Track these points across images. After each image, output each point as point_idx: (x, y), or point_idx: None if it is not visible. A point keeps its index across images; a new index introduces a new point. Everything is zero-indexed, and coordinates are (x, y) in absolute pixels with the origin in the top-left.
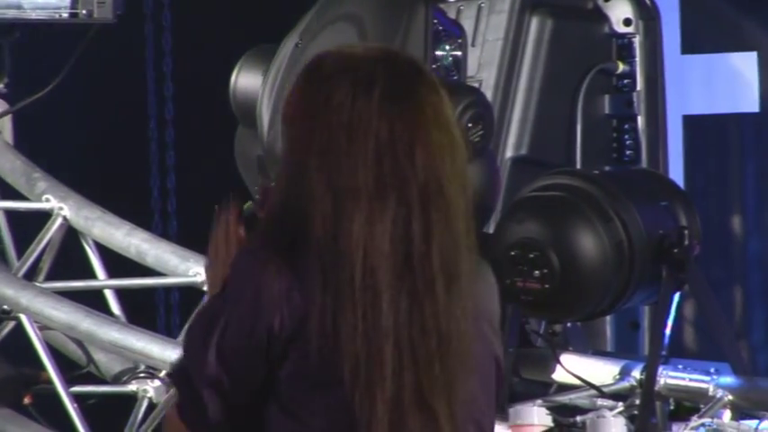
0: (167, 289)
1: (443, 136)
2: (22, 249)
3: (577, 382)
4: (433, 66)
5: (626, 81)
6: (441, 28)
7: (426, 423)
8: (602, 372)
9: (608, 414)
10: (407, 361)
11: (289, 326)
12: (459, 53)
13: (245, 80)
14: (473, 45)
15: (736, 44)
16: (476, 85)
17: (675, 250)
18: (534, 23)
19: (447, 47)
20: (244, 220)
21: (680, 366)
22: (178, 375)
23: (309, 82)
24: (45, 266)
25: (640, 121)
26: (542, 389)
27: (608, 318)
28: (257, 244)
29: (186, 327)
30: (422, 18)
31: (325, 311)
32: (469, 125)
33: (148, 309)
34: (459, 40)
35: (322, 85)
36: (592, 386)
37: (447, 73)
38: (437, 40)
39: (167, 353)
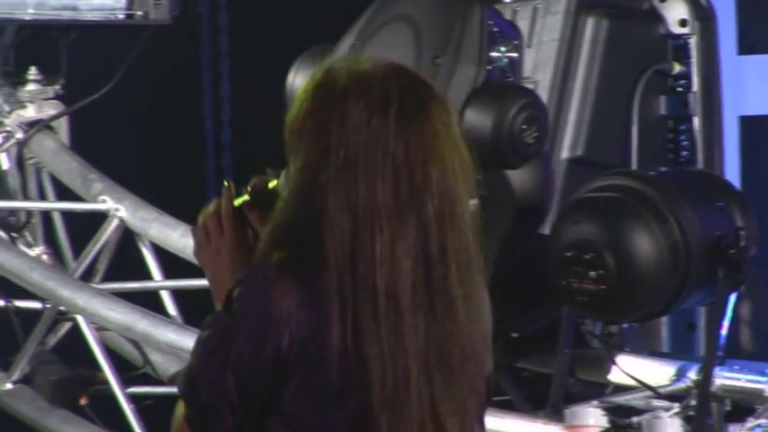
0: None
1: (455, 154)
2: (78, 250)
3: (633, 382)
4: (489, 67)
5: (682, 82)
6: (496, 29)
7: None
8: (657, 373)
9: (664, 415)
10: (425, 381)
11: (296, 345)
12: (514, 54)
13: (302, 81)
14: (529, 46)
15: None
16: (531, 86)
17: (732, 251)
18: (590, 24)
19: (503, 48)
20: (239, 210)
21: (736, 367)
22: (186, 388)
23: (322, 98)
24: (101, 267)
25: (696, 122)
26: (598, 390)
27: (664, 319)
28: (265, 260)
29: (195, 340)
30: (477, 19)
31: (345, 332)
32: (524, 127)
33: (204, 310)
34: (515, 42)
35: (336, 103)
36: (648, 387)
37: (502, 74)
38: (493, 41)
39: None
